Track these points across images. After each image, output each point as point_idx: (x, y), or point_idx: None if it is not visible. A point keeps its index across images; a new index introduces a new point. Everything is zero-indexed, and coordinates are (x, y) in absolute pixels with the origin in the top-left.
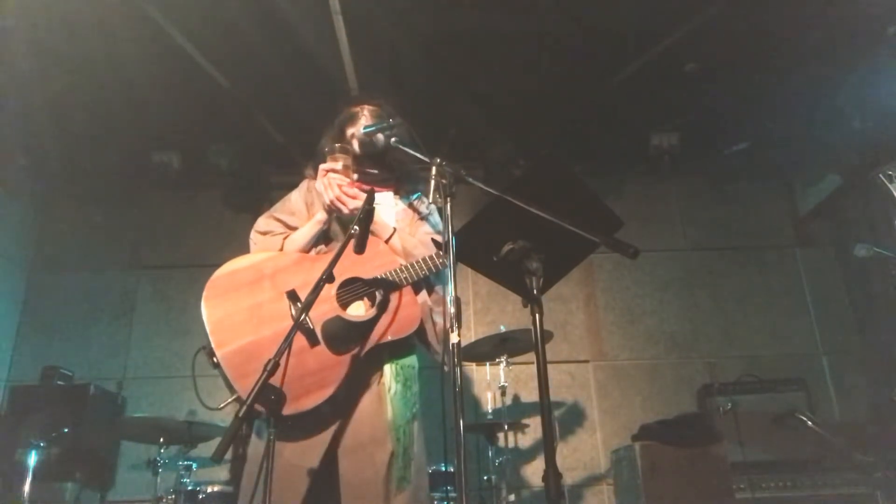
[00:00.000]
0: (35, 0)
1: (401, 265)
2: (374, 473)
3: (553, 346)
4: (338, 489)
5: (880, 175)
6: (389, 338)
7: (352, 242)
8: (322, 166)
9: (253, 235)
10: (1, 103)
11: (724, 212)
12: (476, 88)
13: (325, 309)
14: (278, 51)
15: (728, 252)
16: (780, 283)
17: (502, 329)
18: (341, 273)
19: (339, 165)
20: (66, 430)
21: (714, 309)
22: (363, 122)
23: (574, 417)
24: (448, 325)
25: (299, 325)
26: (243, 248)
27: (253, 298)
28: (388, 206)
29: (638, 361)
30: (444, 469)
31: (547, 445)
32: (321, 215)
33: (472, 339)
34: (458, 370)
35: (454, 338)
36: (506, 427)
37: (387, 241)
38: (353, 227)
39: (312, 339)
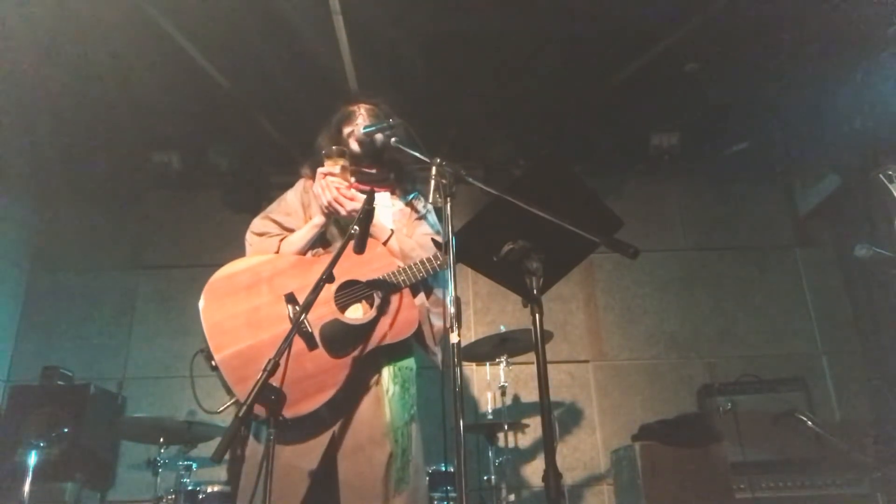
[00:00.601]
0: (36, 0)
1: (399, 267)
2: (373, 475)
3: (553, 346)
4: (337, 491)
5: (880, 175)
6: (388, 340)
7: (351, 243)
8: (320, 170)
9: (248, 236)
10: (1, 103)
11: (724, 212)
12: (476, 88)
13: (322, 312)
14: (278, 51)
15: (728, 252)
16: (780, 283)
17: (502, 329)
18: (340, 275)
19: (336, 168)
20: (66, 430)
21: (714, 309)
22: (361, 121)
23: (574, 417)
24: (448, 325)
25: (297, 328)
26: (243, 249)
27: (251, 302)
28: (386, 207)
29: (638, 361)
30: (444, 469)
31: (547, 445)
32: (318, 219)
33: (472, 339)
34: (457, 370)
35: (454, 338)
36: (506, 427)
37: (384, 243)
38: (353, 228)
39: (310, 343)
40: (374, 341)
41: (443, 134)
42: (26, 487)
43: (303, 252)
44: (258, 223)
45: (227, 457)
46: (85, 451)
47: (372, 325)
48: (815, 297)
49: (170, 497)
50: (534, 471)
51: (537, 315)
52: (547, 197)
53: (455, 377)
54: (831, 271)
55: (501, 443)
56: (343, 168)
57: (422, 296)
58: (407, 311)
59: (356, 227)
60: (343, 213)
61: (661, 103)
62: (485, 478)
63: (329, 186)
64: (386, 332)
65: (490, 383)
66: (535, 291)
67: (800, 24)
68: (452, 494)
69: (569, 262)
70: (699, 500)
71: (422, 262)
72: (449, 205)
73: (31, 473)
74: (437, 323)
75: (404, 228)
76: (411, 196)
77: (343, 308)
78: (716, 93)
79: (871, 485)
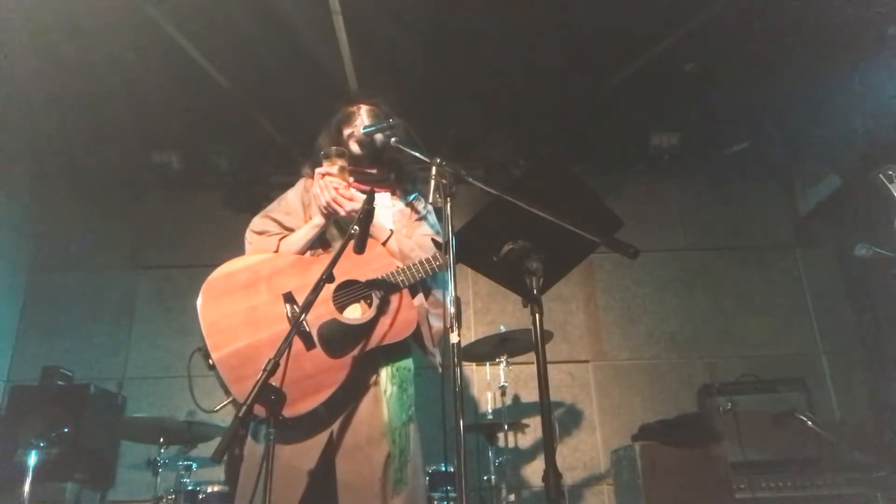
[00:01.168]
0: (35, 0)
1: (398, 268)
2: (371, 475)
3: (553, 346)
4: (335, 491)
5: (880, 175)
6: (386, 341)
7: (351, 243)
8: (318, 170)
9: (248, 235)
10: (1, 103)
11: (724, 212)
12: (476, 88)
13: (321, 312)
14: (278, 51)
15: (728, 252)
16: (780, 283)
17: (502, 329)
18: (339, 275)
19: (334, 168)
20: (66, 430)
21: (714, 309)
22: (360, 121)
23: (574, 417)
24: (448, 325)
25: (297, 326)
26: (243, 248)
27: (249, 301)
28: (386, 207)
29: (638, 361)
30: (443, 469)
31: (547, 445)
32: (318, 219)
33: (472, 339)
34: (457, 370)
35: (454, 338)
36: (506, 427)
37: (384, 244)
38: (352, 227)
39: (308, 343)
40: (372, 341)
41: (443, 134)
42: (26, 487)
43: (302, 252)
44: (258, 222)
45: (226, 457)
46: (85, 451)
47: (370, 325)
48: (815, 297)
49: (170, 497)
50: (534, 471)
51: (537, 315)
52: (547, 197)
53: (455, 377)
54: (831, 271)
55: (501, 443)
56: (341, 168)
57: (420, 296)
58: (405, 312)
59: (356, 227)
60: (342, 213)
61: (661, 103)
62: (485, 478)
63: (327, 187)
64: (384, 333)
65: (490, 383)
66: (535, 291)
67: (800, 24)
68: (452, 494)
69: (569, 262)
70: (699, 500)
71: (421, 262)
72: (449, 205)
73: (31, 473)
74: (436, 324)
75: (404, 229)
76: (412, 197)
77: (341, 308)
78: (716, 93)
79: (871, 485)
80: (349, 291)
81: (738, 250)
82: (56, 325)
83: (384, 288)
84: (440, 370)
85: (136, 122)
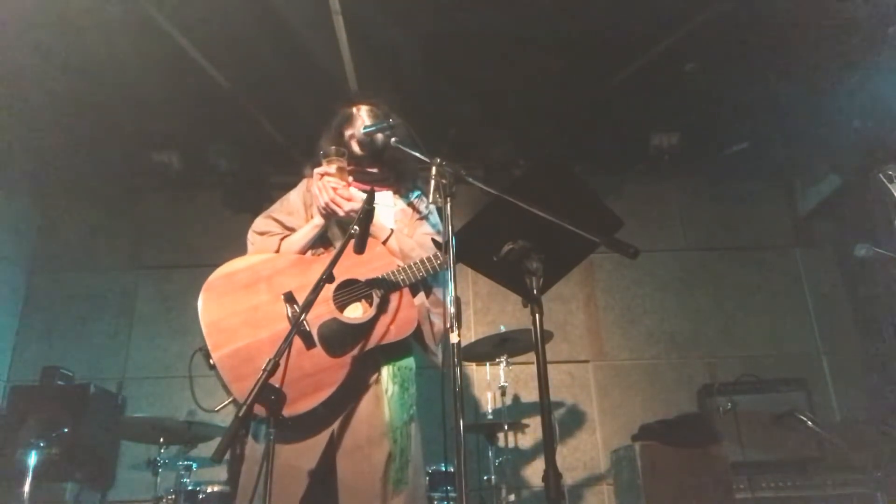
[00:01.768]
0: (35, 0)
1: (398, 267)
2: (372, 474)
3: (553, 346)
4: (335, 490)
5: (880, 175)
6: (386, 340)
7: (352, 242)
8: (317, 170)
9: (250, 235)
10: (1, 103)
11: (724, 212)
12: (476, 88)
13: (321, 311)
14: (278, 51)
15: (728, 252)
16: (780, 283)
17: (502, 329)
18: (339, 274)
19: (333, 168)
20: (66, 430)
21: (714, 309)
22: (361, 122)
23: (574, 417)
24: (448, 325)
25: (298, 326)
26: (243, 248)
27: (249, 301)
28: (387, 206)
29: (638, 361)
30: (444, 469)
31: (547, 445)
32: (318, 219)
33: (472, 339)
34: (457, 370)
35: (454, 338)
36: (506, 427)
37: (384, 243)
38: (353, 227)
39: (308, 342)
40: (372, 341)
41: (443, 134)
42: (26, 487)
43: (303, 251)
44: (260, 222)
45: (227, 457)
46: (85, 451)
47: (371, 324)
48: (815, 297)
49: (170, 497)
50: (534, 471)
51: (537, 315)
52: (547, 197)
53: (455, 377)
54: (831, 271)
55: (501, 443)
56: (340, 168)
57: (421, 295)
58: (406, 311)
59: (356, 226)
60: (341, 213)
61: (661, 103)
62: (485, 478)
63: (326, 187)
64: (385, 332)
65: (490, 383)
66: (535, 291)
67: (799, 24)
68: (452, 494)
69: (569, 262)
70: (699, 500)
71: (421, 261)
72: (449, 205)
73: (31, 473)
74: (438, 323)
75: (406, 228)
76: (413, 196)
77: (342, 307)
78: (716, 93)
79: (871, 485)
80: (350, 291)
81: (738, 250)
82: (56, 325)
83: (385, 287)
84: (442, 369)
85: (136, 122)
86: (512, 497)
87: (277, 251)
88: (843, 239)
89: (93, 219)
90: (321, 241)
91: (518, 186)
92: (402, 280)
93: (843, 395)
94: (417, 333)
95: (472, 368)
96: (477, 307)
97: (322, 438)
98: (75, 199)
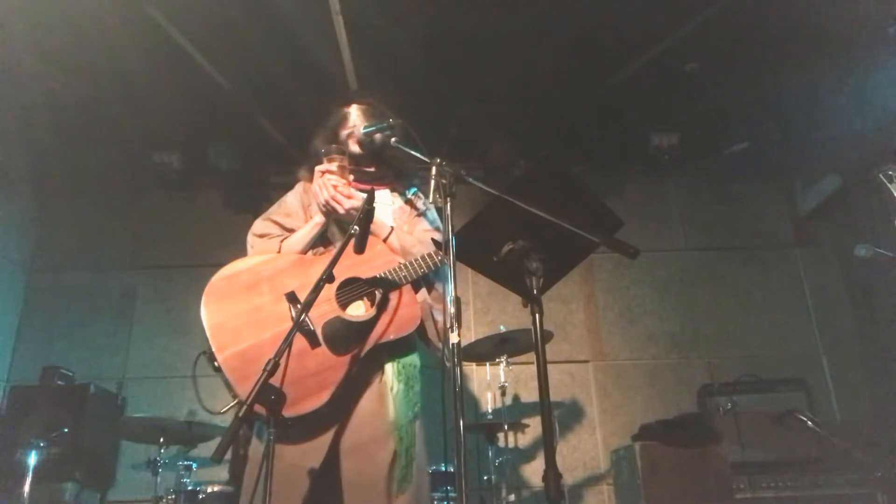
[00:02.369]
0: (35, 0)
1: (399, 264)
2: (376, 473)
3: (553, 346)
4: (339, 489)
5: (880, 175)
6: (390, 337)
7: (352, 242)
8: (317, 168)
9: (250, 238)
10: (1, 103)
11: (724, 212)
12: (476, 88)
13: (324, 310)
14: (278, 51)
15: (728, 252)
16: (780, 283)
17: (502, 329)
18: (340, 273)
19: (334, 166)
20: (66, 430)
21: (714, 309)
22: (358, 121)
23: (574, 417)
24: (448, 325)
25: (299, 327)
26: (243, 249)
27: (252, 302)
28: (386, 205)
29: (638, 361)
30: (444, 469)
31: (547, 445)
32: (318, 218)
33: (472, 339)
34: (458, 370)
35: (454, 338)
36: (506, 427)
37: (385, 240)
38: (352, 228)
39: (313, 341)
40: (376, 338)
41: (443, 134)
42: (26, 487)
43: (304, 251)
44: (259, 225)
45: (227, 457)
46: (85, 451)
47: (374, 321)
48: (815, 297)
49: (170, 497)
50: (534, 471)
51: (537, 315)
52: (547, 197)
53: (455, 377)
54: (831, 271)
55: (501, 443)
56: (340, 166)
57: (423, 291)
58: (409, 308)
59: (356, 227)
60: (340, 211)
61: (661, 103)
62: (485, 478)
63: (326, 185)
64: (388, 329)
65: (490, 383)
66: (535, 291)
67: (799, 24)
68: (452, 494)
69: (569, 262)
70: (699, 500)
71: (423, 257)
72: (449, 205)
73: (31, 473)
74: (441, 318)
75: (405, 225)
76: (411, 192)
77: (345, 305)
78: (716, 93)
79: (871, 485)
80: (352, 289)
81: (738, 250)
82: (56, 325)
83: (387, 284)
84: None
85: (136, 121)
86: (512, 497)
87: (278, 252)
88: (843, 239)
89: (93, 219)
90: (321, 240)
91: (518, 187)
92: (404, 277)
93: (843, 395)
94: (420, 330)
95: (472, 368)
96: (477, 307)
97: (326, 438)
98: (75, 199)
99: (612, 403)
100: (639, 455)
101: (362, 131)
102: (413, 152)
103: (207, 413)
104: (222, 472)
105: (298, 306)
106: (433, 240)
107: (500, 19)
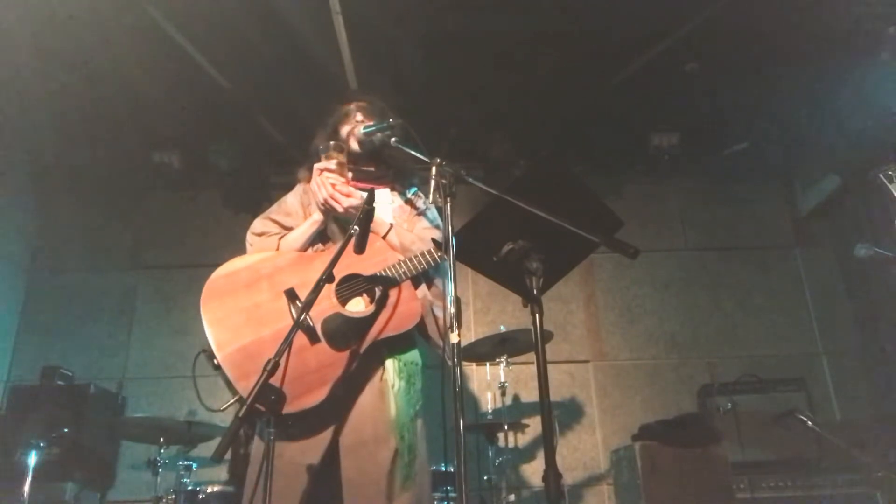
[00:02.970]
0: (35, 0)
1: (399, 260)
2: (377, 471)
3: (553, 346)
4: (340, 487)
5: (880, 175)
6: (390, 333)
7: (352, 242)
8: (316, 165)
9: (249, 237)
10: (1, 103)
11: (724, 212)
12: (476, 88)
13: (324, 306)
14: (278, 51)
15: (728, 252)
16: (780, 283)
17: (502, 329)
18: (340, 270)
19: (332, 164)
20: (66, 430)
21: (714, 309)
22: (358, 120)
23: (574, 417)
24: (448, 324)
25: (299, 325)
26: (243, 248)
27: (251, 299)
28: (386, 204)
29: (638, 361)
30: (444, 469)
31: (547, 445)
32: (317, 216)
33: (472, 339)
34: (458, 370)
35: (454, 338)
36: (506, 427)
37: (384, 237)
38: (352, 227)
39: (313, 337)
40: (375, 334)
41: (443, 134)
42: (26, 487)
43: (303, 249)
44: (258, 224)
45: (227, 456)
46: (85, 451)
47: (373, 317)
48: (815, 297)
49: (170, 497)
50: (534, 471)
51: (537, 315)
52: (547, 197)
53: (455, 377)
54: (831, 271)
55: (501, 443)
56: (339, 164)
57: (423, 288)
58: (408, 304)
59: (356, 227)
60: (339, 209)
61: (661, 103)
62: (485, 478)
63: (325, 183)
64: (388, 325)
65: (490, 383)
66: (535, 291)
67: (799, 24)
68: (452, 494)
69: (569, 262)
70: (699, 500)
71: (422, 254)
72: (449, 205)
73: (31, 473)
74: (441, 315)
75: (405, 224)
76: (411, 192)
77: (344, 301)
78: (716, 93)
79: (871, 485)
80: (352, 285)
81: (738, 250)
82: (56, 325)
83: (386, 281)
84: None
85: (135, 121)
86: (512, 497)
87: (277, 250)
88: (843, 239)
89: (93, 219)
90: (320, 237)
91: (518, 186)
92: (404, 273)
93: (843, 395)
94: (421, 326)
95: (472, 368)
96: (477, 307)
97: (326, 435)
98: (75, 199)
99: (612, 403)
100: (639, 455)
101: (362, 131)
102: (413, 152)
103: (207, 412)
104: (222, 472)
105: (298, 303)
106: (433, 240)
107: (500, 19)
